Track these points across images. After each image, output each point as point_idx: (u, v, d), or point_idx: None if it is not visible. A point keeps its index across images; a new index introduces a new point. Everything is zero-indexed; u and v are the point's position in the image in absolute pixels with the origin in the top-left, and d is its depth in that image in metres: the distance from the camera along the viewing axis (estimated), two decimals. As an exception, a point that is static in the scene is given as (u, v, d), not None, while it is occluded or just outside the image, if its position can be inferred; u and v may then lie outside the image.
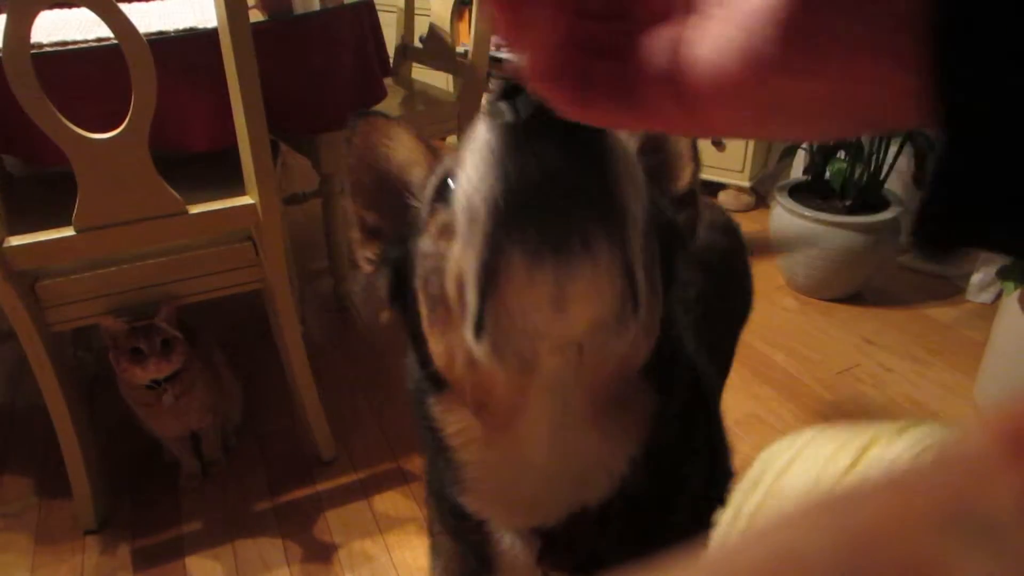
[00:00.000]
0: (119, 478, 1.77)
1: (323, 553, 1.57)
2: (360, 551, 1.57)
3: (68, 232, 1.39)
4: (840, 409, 1.89)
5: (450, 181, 0.52)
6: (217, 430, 1.78)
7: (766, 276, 2.47)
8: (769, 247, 2.42)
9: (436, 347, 0.57)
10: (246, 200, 1.51)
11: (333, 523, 1.64)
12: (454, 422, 0.60)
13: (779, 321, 2.27)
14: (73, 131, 1.29)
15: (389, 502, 1.68)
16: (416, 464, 1.77)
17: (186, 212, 1.44)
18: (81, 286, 1.47)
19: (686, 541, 0.60)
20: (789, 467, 0.52)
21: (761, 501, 0.52)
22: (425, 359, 0.59)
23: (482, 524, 0.65)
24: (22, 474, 1.81)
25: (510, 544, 0.65)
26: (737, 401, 1.93)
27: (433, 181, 0.57)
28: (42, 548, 1.62)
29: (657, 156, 0.62)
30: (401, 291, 0.62)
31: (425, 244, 0.56)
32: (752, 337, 2.17)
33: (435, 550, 0.82)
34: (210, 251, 1.54)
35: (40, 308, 1.46)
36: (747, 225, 2.77)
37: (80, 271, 1.47)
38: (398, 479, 1.74)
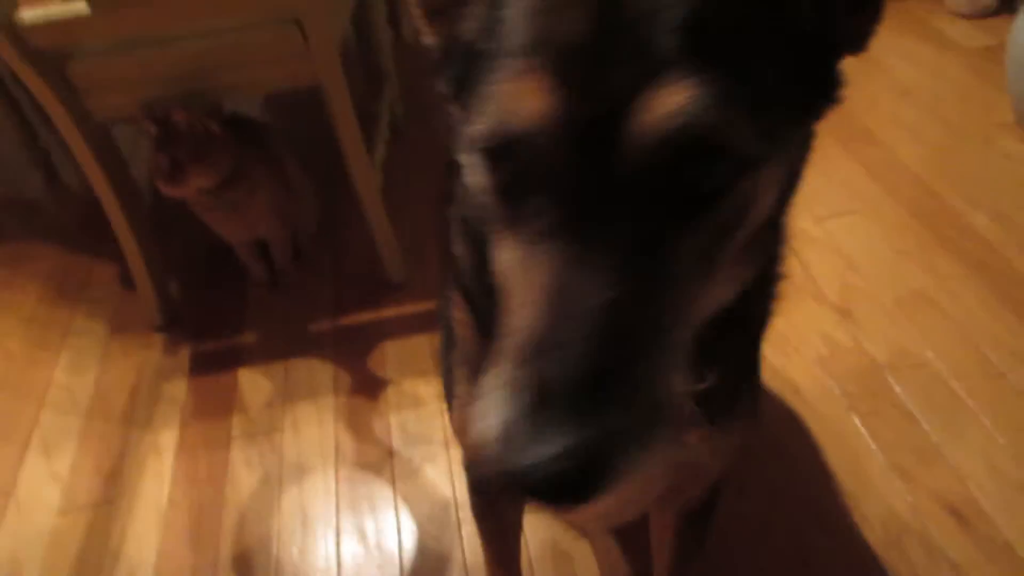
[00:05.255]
0: (190, 279, 1.72)
1: (372, 387, 1.44)
2: (411, 392, 1.42)
3: (81, 6, 1.19)
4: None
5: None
6: (286, 239, 1.65)
7: (983, 106, 1.87)
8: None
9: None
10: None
11: (390, 355, 1.49)
12: None
13: (990, 171, 1.72)
14: None
15: (452, 341, 1.50)
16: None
17: (211, -14, 1.20)
18: (113, 71, 1.32)
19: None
20: None
21: None
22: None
23: None
24: (114, 262, 1.80)
25: None
26: (904, 272, 1.50)
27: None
28: (115, 338, 1.62)
29: None
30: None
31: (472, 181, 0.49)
32: (945, 187, 1.66)
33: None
34: (250, 36, 1.30)
35: (73, 92, 1.31)
36: (977, 37, 2.12)
37: (112, 54, 1.30)
38: (468, 316, 1.54)
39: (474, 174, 0.48)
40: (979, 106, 1.91)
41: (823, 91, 0.49)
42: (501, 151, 0.45)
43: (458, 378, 0.77)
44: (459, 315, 0.74)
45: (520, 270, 0.45)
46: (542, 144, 0.42)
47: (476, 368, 0.72)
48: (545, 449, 0.38)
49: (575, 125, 0.41)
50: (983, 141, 1.79)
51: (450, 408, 0.83)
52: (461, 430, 0.81)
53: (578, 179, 0.42)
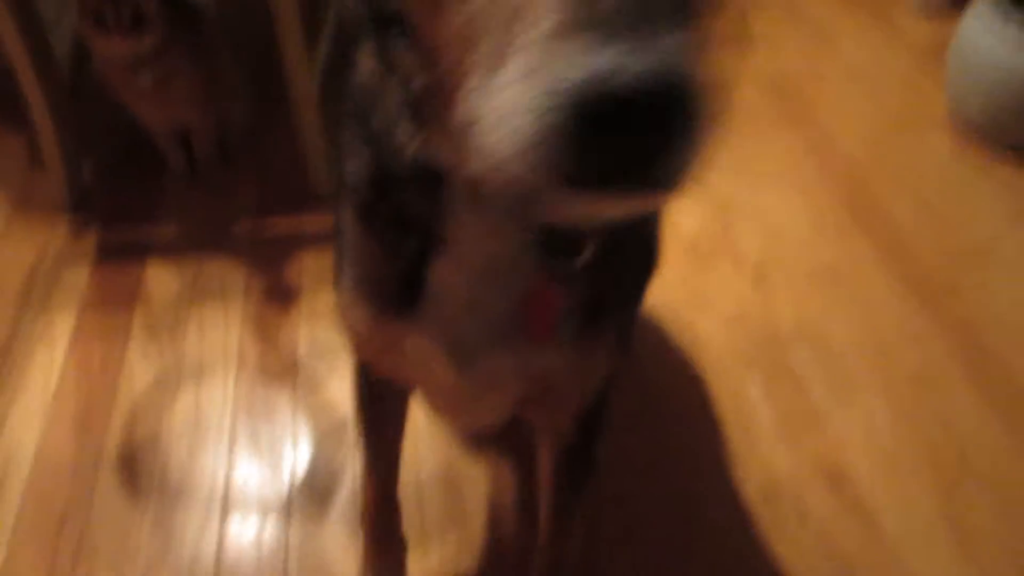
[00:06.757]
0: (105, 162, 1.64)
1: (285, 296, 1.41)
2: (324, 305, 1.40)
3: None
4: (952, 304, 1.45)
5: None
6: (209, 129, 1.58)
7: (922, 100, 1.91)
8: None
9: None
10: None
11: (308, 266, 1.46)
12: None
13: (920, 163, 1.77)
14: None
15: (373, 260, 1.47)
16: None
17: None
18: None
19: None
20: None
21: None
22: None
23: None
24: (22, 135, 1.69)
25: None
26: (819, 246, 1.54)
27: None
28: (17, 215, 1.53)
29: None
30: None
31: None
32: (873, 173, 1.71)
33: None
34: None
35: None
36: (928, 33, 2.15)
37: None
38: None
39: None
40: (918, 100, 1.95)
41: None
42: None
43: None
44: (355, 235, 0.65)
45: None
46: None
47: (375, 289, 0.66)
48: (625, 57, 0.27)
49: None
50: (916, 135, 1.84)
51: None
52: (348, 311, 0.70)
53: None
